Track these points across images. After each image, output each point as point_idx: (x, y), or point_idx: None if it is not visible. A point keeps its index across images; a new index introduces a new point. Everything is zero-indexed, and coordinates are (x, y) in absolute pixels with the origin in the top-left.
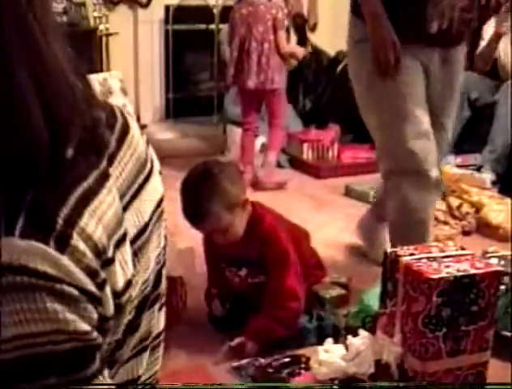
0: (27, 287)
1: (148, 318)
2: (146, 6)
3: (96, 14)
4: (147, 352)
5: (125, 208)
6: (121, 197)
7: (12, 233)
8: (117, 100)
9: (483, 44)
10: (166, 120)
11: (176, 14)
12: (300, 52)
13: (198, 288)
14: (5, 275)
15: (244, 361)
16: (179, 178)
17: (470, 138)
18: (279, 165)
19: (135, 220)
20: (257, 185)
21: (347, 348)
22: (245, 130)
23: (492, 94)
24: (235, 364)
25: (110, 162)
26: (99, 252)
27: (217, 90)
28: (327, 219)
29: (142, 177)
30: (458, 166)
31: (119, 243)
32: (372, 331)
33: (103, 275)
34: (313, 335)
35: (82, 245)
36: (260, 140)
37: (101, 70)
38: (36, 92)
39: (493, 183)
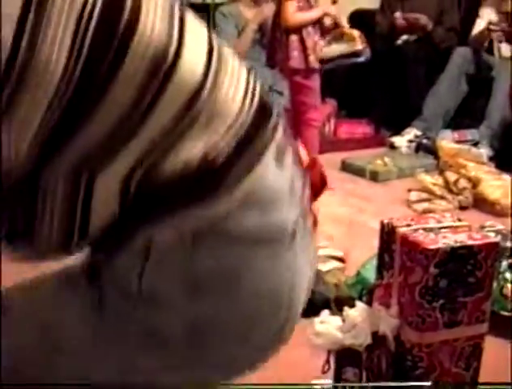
0: None
1: None
2: None
3: None
4: None
5: None
6: None
7: None
8: None
9: (479, 22)
10: None
11: None
12: (327, 9)
13: None
14: None
15: None
16: None
17: (467, 114)
18: None
19: None
20: None
21: (343, 319)
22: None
23: (490, 69)
24: None
25: None
26: None
27: None
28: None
29: None
30: (456, 141)
31: None
32: (368, 302)
33: None
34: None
35: None
36: None
37: None
38: None
39: (490, 159)
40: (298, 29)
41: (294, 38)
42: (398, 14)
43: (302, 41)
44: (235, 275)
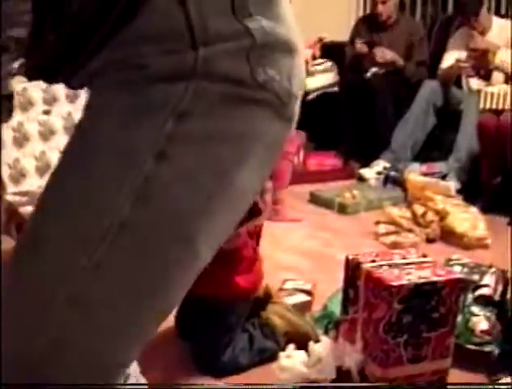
0: None
1: None
2: None
3: None
4: None
5: None
6: None
7: None
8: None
9: (447, 56)
10: None
11: None
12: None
13: None
14: None
15: None
16: None
17: (435, 147)
18: None
19: None
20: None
21: (308, 354)
22: None
23: (458, 102)
24: None
25: None
26: None
27: None
28: (292, 225)
29: None
30: (424, 174)
31: None
32: (335, 336)
33: None
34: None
35: None
36: None
37: None
38: None
39: (458, 191)
40: None
41: None
42: (358, 40)
43: None
44: None
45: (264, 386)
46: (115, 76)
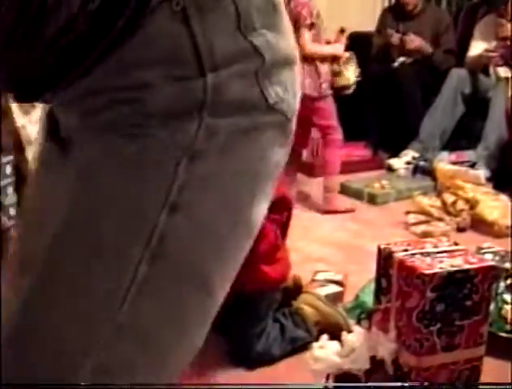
0: None
1: None
2: None
3: None
4: None
5: None
6: None
7: None
8: None
9: (474, 44)
10: None
11: None
12: (338, 49)
13: None
14: None
15: None
16: None
17: (464, 135)
18: None
19: None
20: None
21: (342, 344)
22: None
23: (486, 90)
24: None
25: None
26: None
27: None
28: (322, 216)
29: None
30: (453, 163)
31: None
32: (368, 326)
33: None
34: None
35: None
36: None
37: None
38: None
39: (487, 179)
40: (312, 58)
41: (308, 66)
42: (390, 31)
43: (316, 69)
44: None
45: (296, 386)
46: (111, 114)
